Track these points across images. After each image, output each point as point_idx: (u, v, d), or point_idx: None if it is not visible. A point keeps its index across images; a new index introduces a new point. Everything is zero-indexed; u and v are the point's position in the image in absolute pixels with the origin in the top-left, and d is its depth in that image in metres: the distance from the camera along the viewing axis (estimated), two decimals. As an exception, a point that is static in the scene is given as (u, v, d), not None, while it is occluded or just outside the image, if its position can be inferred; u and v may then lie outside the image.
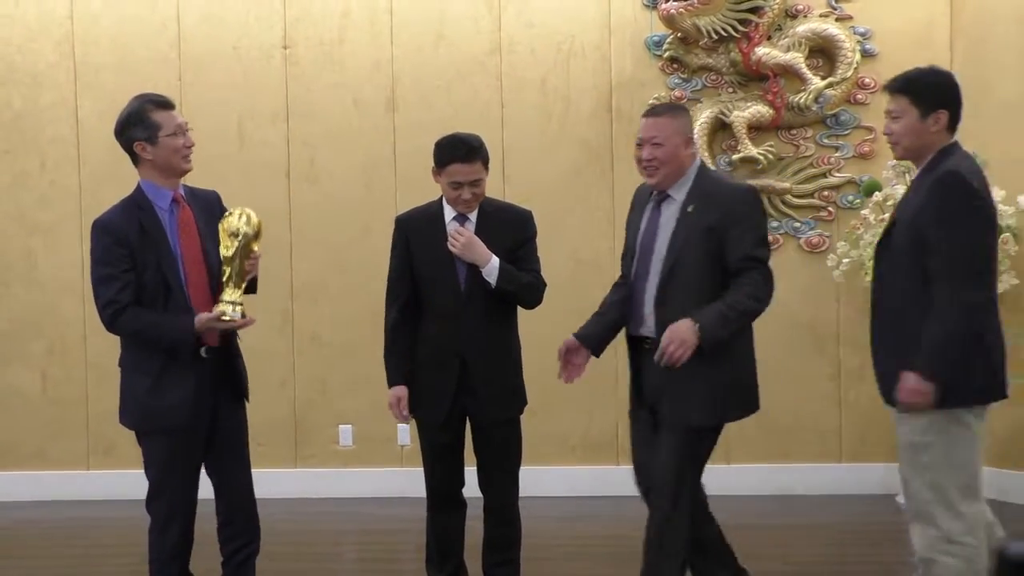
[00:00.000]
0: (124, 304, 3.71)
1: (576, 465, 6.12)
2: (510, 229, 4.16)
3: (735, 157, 6.01)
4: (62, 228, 6.21)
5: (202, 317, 3.71)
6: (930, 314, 3.48)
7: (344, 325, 6.15)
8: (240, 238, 3.75)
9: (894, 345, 3.62)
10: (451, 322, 4.10)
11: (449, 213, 4.15)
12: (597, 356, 4.07)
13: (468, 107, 6.10)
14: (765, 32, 5.97)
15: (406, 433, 6.07)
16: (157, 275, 3.74)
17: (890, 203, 5.33)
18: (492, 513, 4.25)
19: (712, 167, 5.89)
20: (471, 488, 4.24)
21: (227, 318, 3.73)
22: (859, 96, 6.01)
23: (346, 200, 6.18)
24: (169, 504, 3.82)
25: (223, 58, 6.18)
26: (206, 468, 3.93)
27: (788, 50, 5.96)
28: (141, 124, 3.76)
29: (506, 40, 6.15)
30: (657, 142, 3.82)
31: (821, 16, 6.01)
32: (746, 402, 3.92)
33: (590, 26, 6.13)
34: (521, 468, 4.27)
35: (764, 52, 5.94)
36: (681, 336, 3.62)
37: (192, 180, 4.06)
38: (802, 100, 5.93)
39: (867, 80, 5.94)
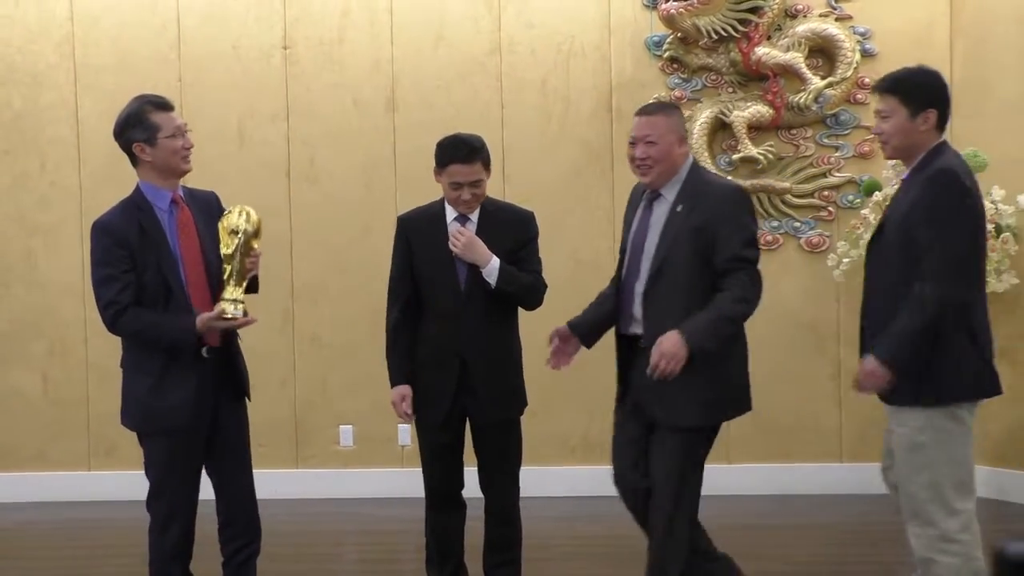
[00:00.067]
0: (125, 305, 3.71)
1: (576, 465, 6.12)
2: (511, 230, 4.16)
3: (735, 157, 6.02)
4: (62, 229, 6.21)
5: (203, 317, 3.71)
6: (908, 303, 3.50)
7: (344, 325, 6.15)
8: (240, 235, 3.74)
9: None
10: (451, 322, 4.10)
11: (451, 213, 4.15)
12: (588, 347, 4.08)
13: (468, 107, 6.10)
14: (765, 32, 5.97)
15: (406, 433, 6.07)
16: (157, 276, 3.74)
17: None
18: (492, 514, 4.25)
19: (712, 167, 5.91)
20: (472, 488, 4.25)
21: (229, 316, 3.72)
22: (859, 96, 6.01)
23: (346, 200, 6.18)
24: (169, 504, 3.83)
25: (223, 58, 6.18)
26: (207, 469, 3.93)
27: (788, 50, 5.96)
28: (140, 125, 3.76)
29: (506, 40, 6.16)
30: (651, 140, 3.81)
31: (821, 16, 6.01)
32: (739, 401, 3.92)
33: (590, 26, 6.13)
34: (521, 468, 4.27)
35: (764, 52, 5.94)
36: (671, 351, 3.61)
37: (192, 180, 4.07)
38: (802, 100, 5.93)
39: (867, 80, 5.94)
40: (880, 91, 3.70)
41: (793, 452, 6.12)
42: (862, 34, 5.99)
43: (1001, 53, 5.82)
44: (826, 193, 6.06)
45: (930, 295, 3.47)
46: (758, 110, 5.98)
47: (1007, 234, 5.52)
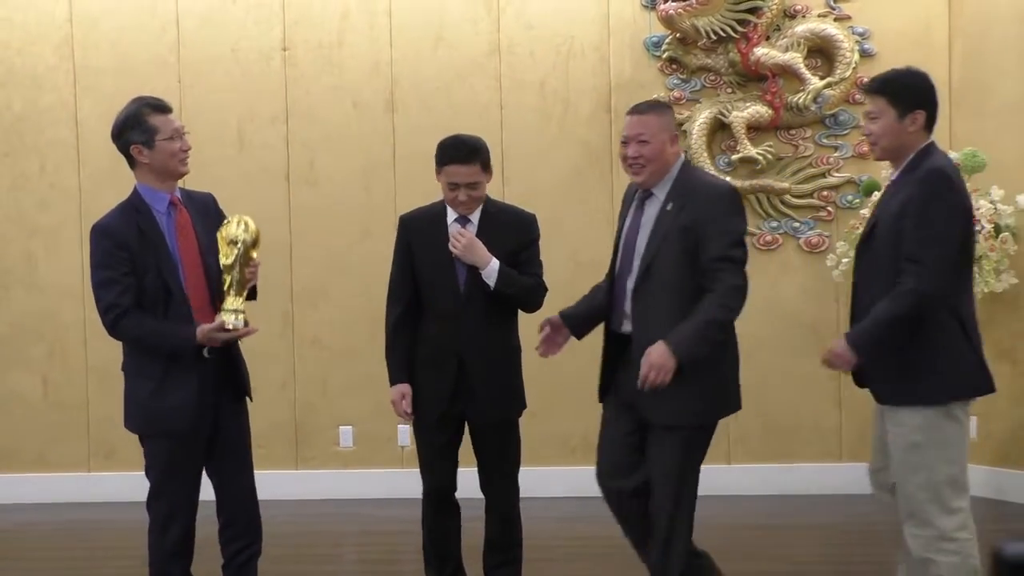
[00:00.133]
0: (125, 308, 3.72)
1: (577, 466, 6.10)
2: (513, 231, 4.16)
3: (734, 157, 6.02)
4: (62, 231, 6.21)
5: (204, 328, 3.71)
6: (891, 294, 3.53)
7: (344, 327, 6.15)
8: (239, 246, 3.73)
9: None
10: (451, 322, 4.10)
11: (451, 214, 4.15)
12: (578, 338, 4.10)
13: (467, 109, 6.10)
14: (764, 32, 5.97)
15: (406, 434, 6.07)
16: (157, 279, 3.74)
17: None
18: (493, 514, 4.26)
19: (711, 167, 5.91)
20: (472, 489, 4.25)
21: (230, 327, 3.73)
22: (858, 96, 5.98)
23: (346, 202, 6.18)
24: (169, 504, 3.83)
25: (222, 61, 6.19)
26: (208, 470, 3.93)
27: (787, 50, 5.96)
28: (138, 128, 3.76)
29: (505, 42, 6.16)
30: (643, 139, 3.81)
31: (819, 16, 6.01)
32: (732, 401, 3.93)
33: (589, 27, 6.13)
34: (522, 469, 4.28)
35: (763, 52, 5.95)
36: (659, 362, 3.61)
37: (192, 183, 4.07)
38: (801, 100, 5.94)
39: (866, 80, 5.93)
40: (869, 92, 3.75)
41: (793, 452, 6.12)
42: (861, 34, 5.99)
43: (1000, 53, 5.82)
44: (825, 193, 6.06)
45: (912, 288, 3.50)
46: (757, 110, 5.98)
47: (1006, 234, 5.52)
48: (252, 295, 3.91)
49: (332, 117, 6.19)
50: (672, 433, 3.78)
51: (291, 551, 5.22)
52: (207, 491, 3.91)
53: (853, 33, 5.98)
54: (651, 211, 3.86)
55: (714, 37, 5.94)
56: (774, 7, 5.95)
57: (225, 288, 3.76)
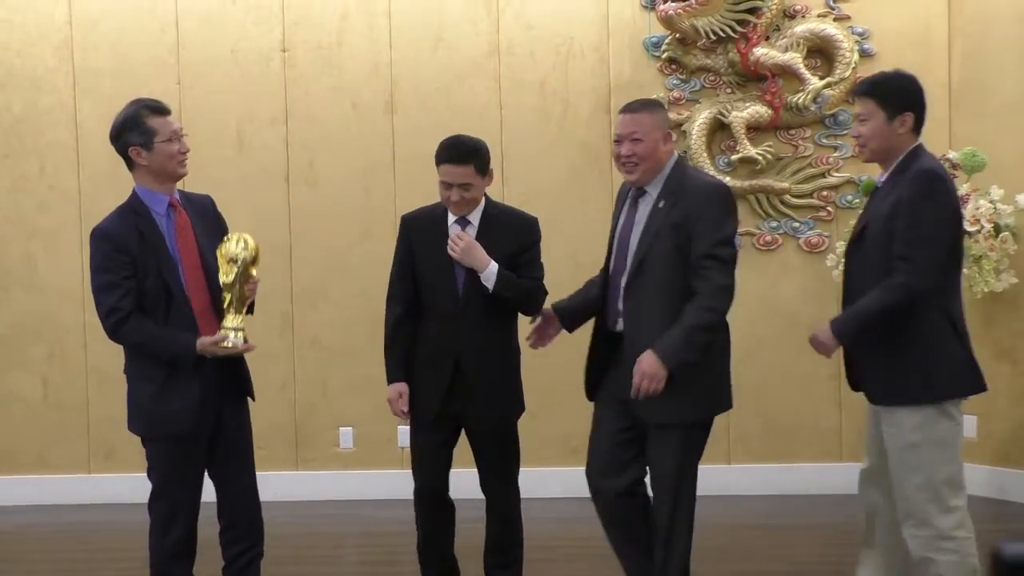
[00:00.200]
0: (127, 311, 3.71)
1: (577, 467, 6.05)
2: (513, 234, 4.16)
3: (734, 157, 6.02)
4: (62, 232, 6.21)
5: (204, 340, 3.72)
6: (879, 285, 3.56)
7: (344, 328, 6.15)
8: (239, 264, 3.74)
9: (864, 344, 3.70)
10: (450, 323, 4.10)
11: (452, 215, 4.15)
12: (569, 331, 4.12)
13: (467, 109, 6.10)
14: (763, 32, 5.97)
15: (406, 435, 6.03)
16: (158, 281, 3.74)
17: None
18: (493, 515, 4.26)
19: (711, 168, 5.91)
20: (473, 489, 4.25)
21: (229, 344, 3.74)
22: (857, 96, 6.01)
23: (345, 203, 6.18)
24: (171, 505, 3.83)
25: (222, 62, 6.19)
26: (209, 471, 3.93)
27: (786, 50, 5.96)
28: (136, 129, 3.76)
29: (505, 42, 6.16)
30: (637, 137, 3.81)
31: (819, 16, 6.01)
32: (725, 399, 3.93)
33: (588, 28, 6.13)
34: (521, 469, 4.28)
35: (762, 52, 5.95)
36: (650, 371, 3.63)
37: (191, 185, 4.08)
38: (800, 100, 5.94)
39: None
40: (858, 94, 3.79)
41: (793, 452, 6.11)
42: (860, 34, 5.99)
43: (1000, 53, 5.82)
44: (825, 193, 6.06)
45: (903, 283, 3.53)
46: (757, 110, 5.98)
47: (1006, 233, 5.52)
48: (250, 309, 3.92)
49: (332, 118, 6.19)
50: (668, 432, 3.79)
51: (291, 552, 5.22)
52: (207, 493, 3.91)
53: (853, 33, 5.98)
54: (644, 209, 3.86)
55: (713, 37, 5.94)
56: (774, 7, 5.95)
57: (225, 306, 3.77)
